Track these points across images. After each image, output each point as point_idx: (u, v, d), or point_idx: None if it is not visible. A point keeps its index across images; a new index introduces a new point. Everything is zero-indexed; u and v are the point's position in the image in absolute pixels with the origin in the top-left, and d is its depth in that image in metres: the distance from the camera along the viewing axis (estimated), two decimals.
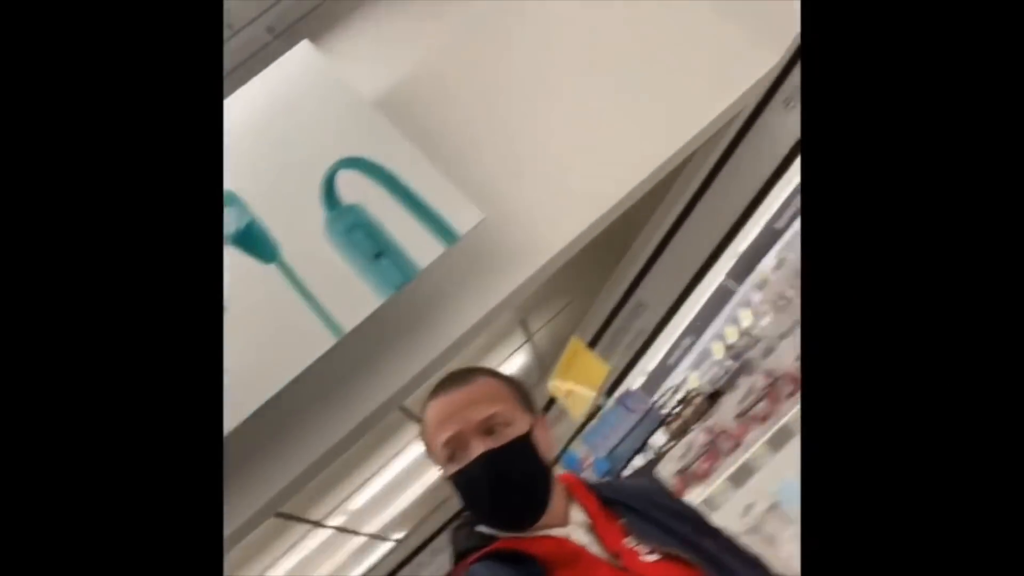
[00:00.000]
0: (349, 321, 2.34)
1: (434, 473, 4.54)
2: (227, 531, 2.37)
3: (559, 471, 1.35)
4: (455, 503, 1.13)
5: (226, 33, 2.76)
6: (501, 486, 1.03)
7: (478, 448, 1.02)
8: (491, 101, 2.70)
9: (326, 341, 2.31)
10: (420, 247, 2.39)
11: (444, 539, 5.56)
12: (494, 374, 1.14)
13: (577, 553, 1.02)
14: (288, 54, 2.68)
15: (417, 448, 4.24)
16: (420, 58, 2.80)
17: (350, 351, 2.34)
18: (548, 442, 1.11)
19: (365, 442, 2.80)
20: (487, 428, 1.04)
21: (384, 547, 6.07)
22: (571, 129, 2.60)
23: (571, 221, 2.46)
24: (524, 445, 1.04)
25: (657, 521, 1.08)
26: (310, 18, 2.87)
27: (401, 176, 2.47)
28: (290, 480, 2.40)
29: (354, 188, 2.49)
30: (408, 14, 2.87)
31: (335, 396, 2.39)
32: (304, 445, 2.45)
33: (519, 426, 1.05)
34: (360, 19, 2.89)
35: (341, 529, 4.96)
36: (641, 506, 1.11)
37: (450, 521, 5.48)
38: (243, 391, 2.28)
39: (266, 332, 2.34)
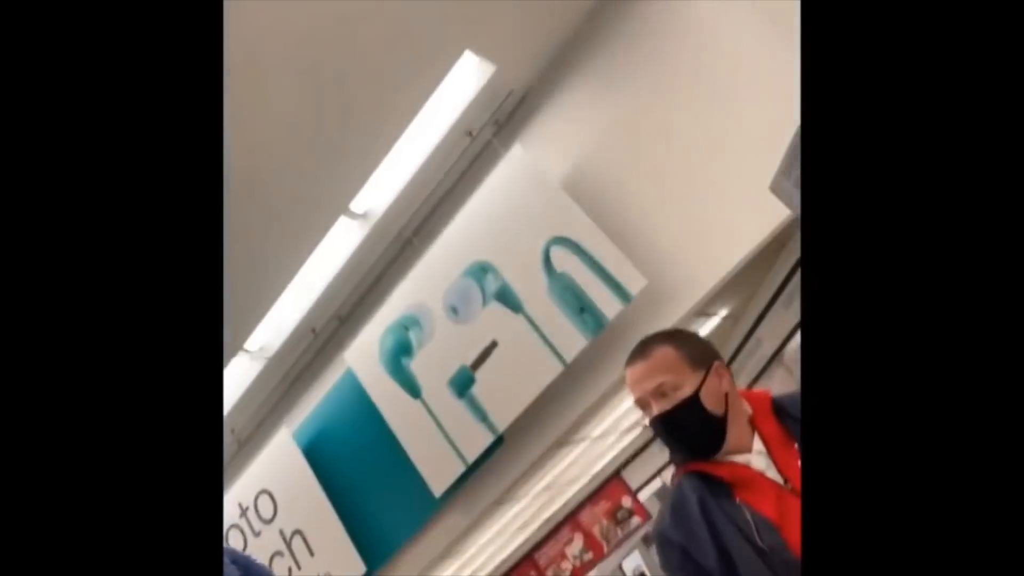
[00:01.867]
0: (569, 354, 3.58)
1: None
2: None
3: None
4: None
5: (466, 140, 3.91)
6: (675, 436, 1.29)
7: (655, 410, 1.28)
8: (651, 177, 3.52)
9: (556, 369, 3.60)
10: (606, 305, 3.47)
11: None
12: (671, 340, 1.35)
13: (753, 478, 1.24)
14: (507, 157, 3.77)
15: None
16: (596, 141, 3.68)
17: (572, 377, 3.60)
18: (719, 390, 1.29)
19: None
20: (660, 393, 1.27)
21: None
22: (711, 199, 3.34)
23: (706, 279, 3.31)
24: (689, 405, 1.26)
25: None
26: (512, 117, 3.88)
27: (590, 250, 3.52)
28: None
29: (562, 259, 3.62)
30: (585, 105, 3.72)
31: (552, 407, 3.71)
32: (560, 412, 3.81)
33: (687, 388, 1.27)
34: (548, 110, 3.82)
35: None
36: None
37: None
38: (513, 397, 3.70)
39: (514, 363, 3.69)
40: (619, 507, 5.86)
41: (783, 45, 3.21)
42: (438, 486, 3.86)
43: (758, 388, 4.12)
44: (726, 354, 4.29)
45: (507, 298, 3.77)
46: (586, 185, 3.68)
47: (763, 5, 3.27)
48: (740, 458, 1.28)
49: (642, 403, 1.31)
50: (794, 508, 1.20)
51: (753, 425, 1.31)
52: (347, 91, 3.28)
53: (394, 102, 3.53)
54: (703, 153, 3.41)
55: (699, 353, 1.33)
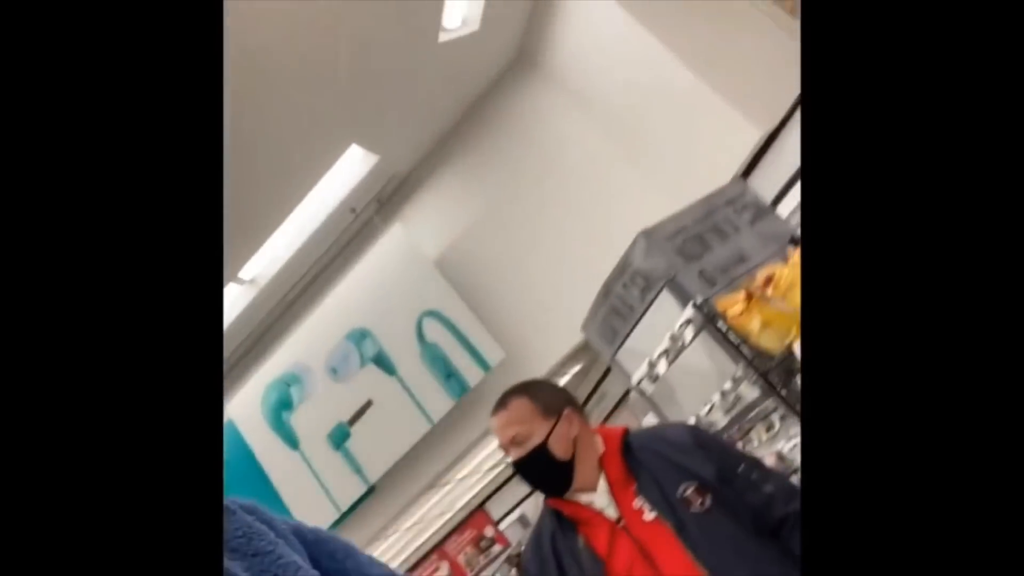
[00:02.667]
0: (436, 414, 4.07)
1: None
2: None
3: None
4: None
5: (349, 216, 4.34)
6: (529, 478, 1.45)
7: (512, 455, 1.42)
8: (513, 259, 4.09)
9: (424, 427, 4.08)
10: (469, 372, 4.00)
11: None
12: (526, 392, 1.47)
13: (591, 517, 1.38)
14: (387, 235, 4.23)
15: None
16: (468, 223, 4.22)
17: (438, 434, 4.10)
18: (567, 436, 1.42)
19: None
20: (515, 442, 1.41)
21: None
22: (563, 280, 3.94)
23: (557, 349, 3.91)
24: (538, 454, 1.40)
25: (677, 467, 1.37)
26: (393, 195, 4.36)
27: (457, 323, 4.04)
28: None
29: (433, 330, 4.11)
30: (460, 190, 4.25)
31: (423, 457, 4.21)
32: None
33: (536, 437, 1.40)
34: (427, 193, 4.33)
35: None
36: (668, 454, 1.39)
37: None
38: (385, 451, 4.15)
39: (387, 421, 4.15)
40: (482, 536, 6.39)
41: (621, 160, 3.87)
42: None
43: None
44: (587, 390, 4.95)
45: (383, 362, 4.22)
46: (458, 262, 4.20)
47: (605, 127, 3.92)
48: (585, 497, 1.41)
49: (504, 448, 1.45)
50: (622, 543, 1.34)
51: (601, 464, 1.42)
52: (242, 170, 3.63)
53: (286, 184, 3.91)
54: (558, 240, 4.01)
55: (551, 402, 1.45)
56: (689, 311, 1.96)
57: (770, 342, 1.70)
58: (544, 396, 1.48)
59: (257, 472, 4.35)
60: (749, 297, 1.72)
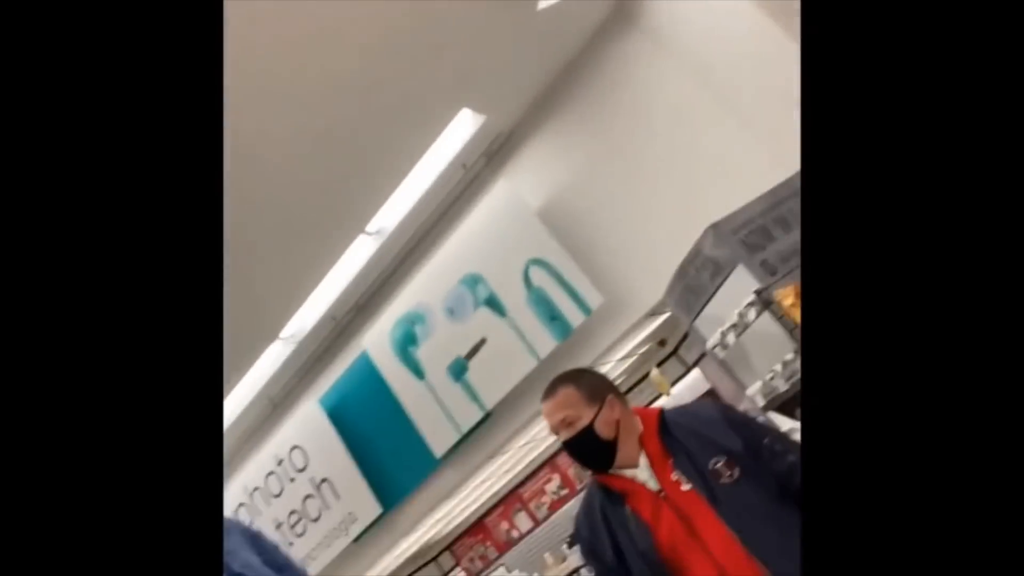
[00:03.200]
0: (542, 352, 4.51)
1: None
2: None
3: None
4: None
5: (461, 171, 4.73)
6: (577, 457, 1.67)
7: (562, 436, 1.62)
8: (615, 207, 4.37)
9: (531, 364, 4.54)
10: (572, 315, 4.39)
11: None
12: (573, 380, 1.64)
13: (636, 489, 1.54)
14: (494, 189, 4.60)
15: None
16: (569, 175, 4.51)
17: (545, 369, 4.55)
18: (611, 419, 1.58)
19: None
20: (565, 424, 1.61)
21: None
22: (658, 229, 4.20)
23: (650, 295, 4.21)
24: (585, 434, 1.58)
25: (709, 443, 1.51)
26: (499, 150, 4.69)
27: (560, 270, 4.41)
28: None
29: (538, 276, 4.51)
30: (561, 145, 4.52)
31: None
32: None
33: (584, 420, 1.58)
34: (531, 147, 4.63)
35: None
36: (700, 431, 1.53)
37: None
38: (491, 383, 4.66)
39: (499, 357, 4.63)
40: None
41: (714, 117, 4.01)
42: (439, 449, 4.88)
43: (694, 374, 5.01)
44: (675, 341, 5.26)
45: (494, 304, 4.68)
46: (560, 213, 4.53)
47: (701, 84, 4.05)
48: (629, 472, 1.57)
49: (554, 430, 1.62)
50: (665, 512, 1.50)
51: (641, 443, 1.59)
52: (369, 134, 4.06)
53: (405, 145, 4.33)
54: (654, 191, 4.25)
55: (596, 390, 1.60)
56: (751, 296, 2.23)
57: None
58: (589, 384, 1.64)
59: (390, 399, 4.99)
60: (798, 291, 1.99)
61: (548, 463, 6.96)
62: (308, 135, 3.80)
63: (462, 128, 4.48)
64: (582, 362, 4.51)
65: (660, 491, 1.54)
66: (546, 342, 4.49)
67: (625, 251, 4.36)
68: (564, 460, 7.03)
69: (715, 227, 2.50)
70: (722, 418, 1.57)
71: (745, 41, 3.62)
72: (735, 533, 1.43)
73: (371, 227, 4.77)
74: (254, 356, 5.11)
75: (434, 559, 6.59)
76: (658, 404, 4.45)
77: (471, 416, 4.75)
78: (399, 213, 4.77)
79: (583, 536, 1.63)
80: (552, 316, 4.47)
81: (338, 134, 3.93)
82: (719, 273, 2.50)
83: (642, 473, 1.58)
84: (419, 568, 6.58)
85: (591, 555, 1.60)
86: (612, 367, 5.04)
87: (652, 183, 4.23)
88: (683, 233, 4.07)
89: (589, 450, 1.61)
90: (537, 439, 5.98)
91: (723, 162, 3.90)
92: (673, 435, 1.58)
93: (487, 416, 4.76)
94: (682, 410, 1.69)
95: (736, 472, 1.48)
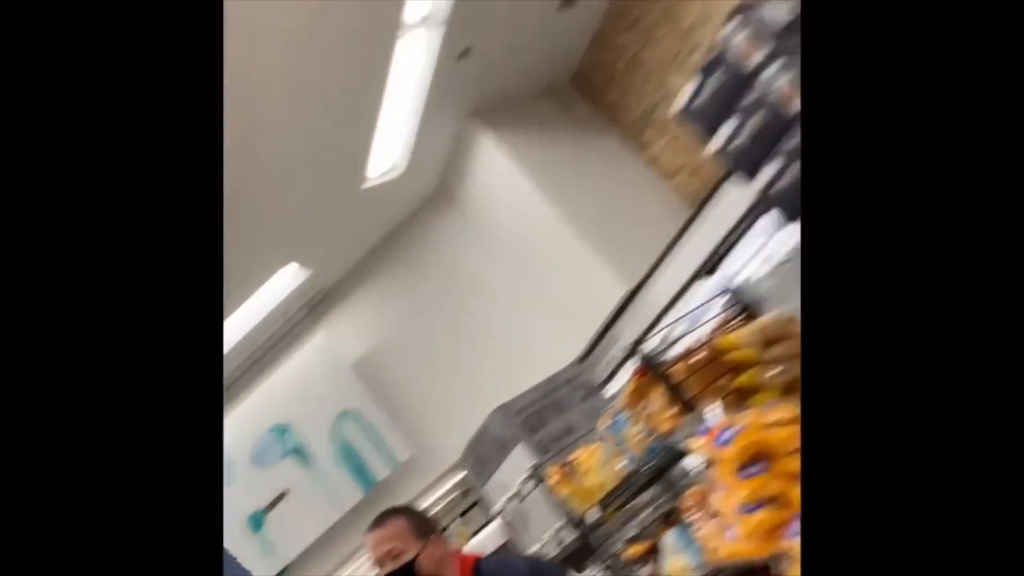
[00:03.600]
0: (348, 503, 4.54)
1: None
2: None
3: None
4: None
5: (281, 319, 4.86)
6: None
7: (386, 568, 1.64)
8: (427, 365, 4.67)
9: (335, 515, 4.54)
10: (378, 467, 4.51)
11: None
12: (403, 513, 1.71)
13: None
14: (312, 342, 4.77)
15: None
16: (386, 329, 4.80)
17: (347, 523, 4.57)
18: (434, 556, 1.65)
19: None
20: (391, 556, 1.63)
21: None
22: (464, 391, 4.53)
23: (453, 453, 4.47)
24: (408, 569, 1.62)
25: None
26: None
27: (372, 423, 4.57)
28: None
29: (348, 428, 4.63)
30: (381, 302, 4.84)
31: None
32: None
33: (409, 554, 1.62)
34: (350, 301, 4.91)
35: None
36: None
37: None
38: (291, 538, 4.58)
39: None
40: None
41: (514, 285, 4.52)
42: None
43: (484, 532, 5.17)
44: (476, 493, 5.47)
45: (301, 453, 4.70)
46: (374, 367, 4.75)
47: (510, 261, 4.59)
48: None
49: (378, 562, 1.65)
50: None
51: None
52: None
53: (229, 293, 4.43)
54: (466, 352, 4.62)
55: (423, 526, 1.69)
56: (526, 472, 2.60)
57: (575, 506, 2.30)
58: (418, 519, 1.73)
59: None
60: (562, 471, 2.33)
61: None
62: None
63: (287, 278, 4.67)
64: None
65: None
66: (352, 493, 4.54)
67: (432, 407, 4.62)
68: None
69: (501, 409, 2.89)
70: (529, 572, 1.73)
71: (536, 223, 4.20)
72: None
73: None
74: None
75: None
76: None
77: (266, 571, 4.59)
78: None
79: None
80: (359, 468, 4.56)
81: None
82: (504, 450, 2.86)
83: None
84: None
85: None
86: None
87: (464, 343, 4.61)
88: (489, 391, 4.44)
89: None
90: None
91: (524, 326, 4.38)
92: None
93: (282, 572, 4.62)
94: (497, 561, 1.84)
95: None
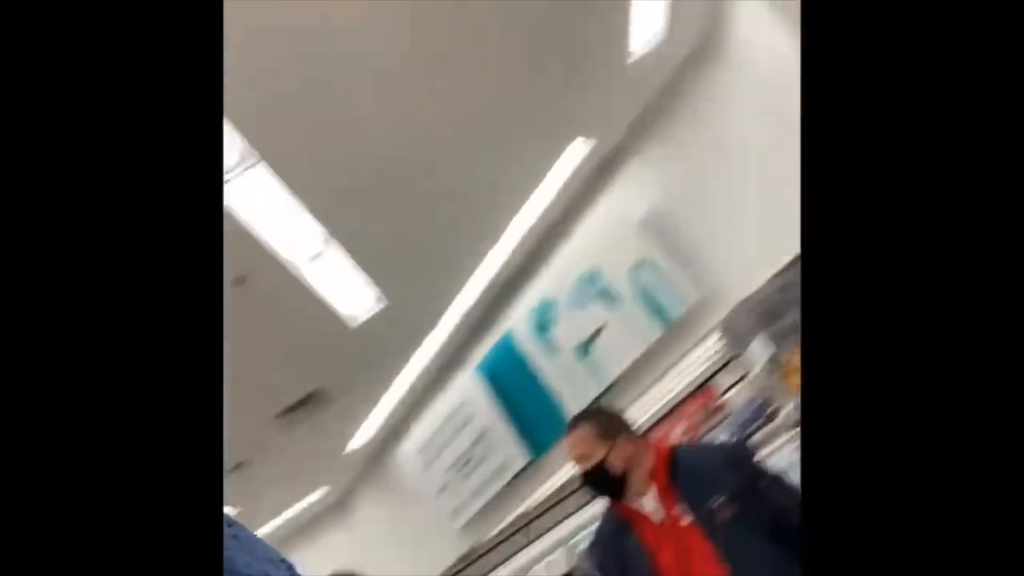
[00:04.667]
0: (649, 340, 5.39)
1: None
2: None
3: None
4: None
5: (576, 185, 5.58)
6: (592, 487, 1.85)
7: (579, 469, 1.81)
8: (709, 213, 5.09)
9: (639, 350, 5.43)
10: (673, 308, 5.22)
11: None
12: (588, 420, 1.83)
13: (643, 518, 1.71)
14: (604, 203, 5.45)
15: None
16: (670, 182, 5.27)
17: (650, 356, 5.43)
18: (621, 455, 1.73)
19: None
20: (580, 459, 1.79)
21: None
22: (750, 229, 4.88)
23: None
24: (597, 470, 1.76)
25: (711, 482, 1.66)
26: None
27: (664, 270, 5.23)
28: None
29: (646, 276, 5.35)
30: (660, 158, 5.27)
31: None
32: None
33: (596, 457, 1.75)
34: (634, 162, 5.40)
35: None
36: (705, 470, 1.69)
37: None
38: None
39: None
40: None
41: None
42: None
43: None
44: None
45: (608, 296, 5.60)
46: (663, 218, 5.33)
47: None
48: (638, 501, 1.71)
49: (574, 463, 1.79)
50: (666, 542, 1.63)
51: (652, 476, 1.73)
52: (502, 157, 4.97)
53: (524, 171, 5.26)
54: (742, 201, 4.95)
55: (609, 428, 1.77)
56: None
57: None
58: (603, 423, 1.83)
59: (531, 377, 6.05)
60: None
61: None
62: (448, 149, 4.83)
63: (576, 152, 5.33)
64: (681, 351, 5.37)
65: (663, 521, 1.71)
66: (651, 330, 5.37)
67: (719, 250, 5.11)
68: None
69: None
70: (727, 460, 1.79)
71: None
72: (729, 568, 1.62)
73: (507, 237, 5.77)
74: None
75: None
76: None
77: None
78: (527, 223, 5.74)
79: (596, 557, 1.85)
80: (657, 308, 5.33)
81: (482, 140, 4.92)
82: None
83: (649, 504, 1.76)
84: None
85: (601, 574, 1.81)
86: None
87: (741, 194, 4.93)
88: (764, 234, 4.75)
89: (601, 482, 1.80)
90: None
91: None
92: (681, 472, 1.75)
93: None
94: (692, 448, 2.09)
95: (734, 511, 1.63)
